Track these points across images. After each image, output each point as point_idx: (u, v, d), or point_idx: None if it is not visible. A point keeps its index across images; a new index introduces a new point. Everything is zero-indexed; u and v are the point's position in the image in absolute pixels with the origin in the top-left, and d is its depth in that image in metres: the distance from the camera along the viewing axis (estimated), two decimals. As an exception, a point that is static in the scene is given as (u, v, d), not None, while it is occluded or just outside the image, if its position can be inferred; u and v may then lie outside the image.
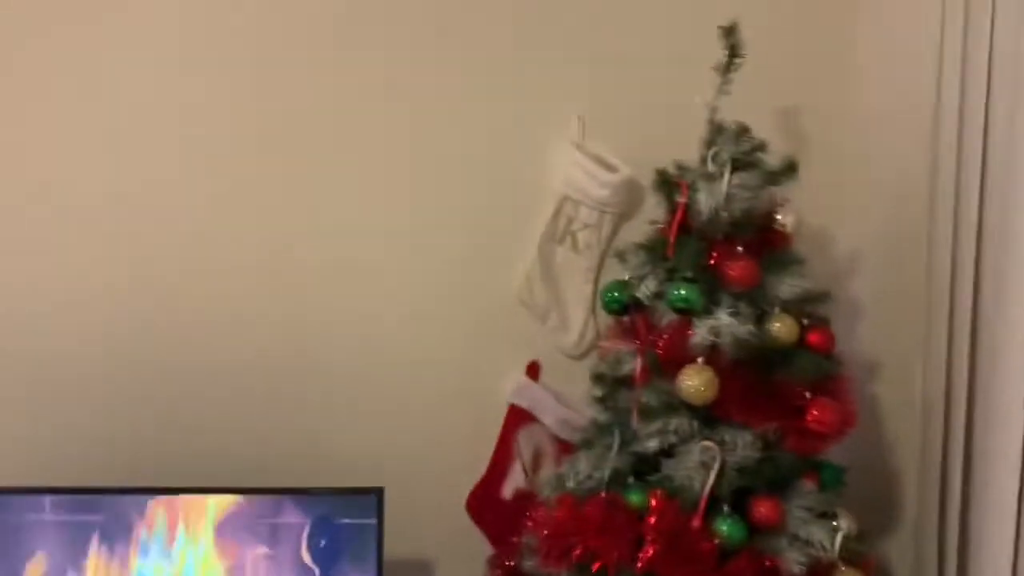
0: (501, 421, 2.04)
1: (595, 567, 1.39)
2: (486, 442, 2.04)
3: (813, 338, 1.56)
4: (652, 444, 1.51)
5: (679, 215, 1.55)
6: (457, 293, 2.01)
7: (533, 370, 2.06)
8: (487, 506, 2.07)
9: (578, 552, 1.46)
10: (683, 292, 1.50)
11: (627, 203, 2.01)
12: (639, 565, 1.42)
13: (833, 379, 1.52)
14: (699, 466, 1.45)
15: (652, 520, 1.43)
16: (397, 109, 1.95)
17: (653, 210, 1.95)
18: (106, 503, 1.68)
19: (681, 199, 1.55)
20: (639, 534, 1.44)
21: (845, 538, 1.48)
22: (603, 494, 1.52)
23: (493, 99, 1.96)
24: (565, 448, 2.08)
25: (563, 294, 2.05)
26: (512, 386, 2.04)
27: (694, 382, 1.44)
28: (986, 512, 1.49)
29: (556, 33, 1.97)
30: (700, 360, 1.47)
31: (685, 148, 1.70)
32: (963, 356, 1.56)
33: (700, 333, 1.46)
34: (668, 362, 1.50)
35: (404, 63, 1.94)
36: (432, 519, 1.98)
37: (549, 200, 2.00)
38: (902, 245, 1.80)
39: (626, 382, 1.59)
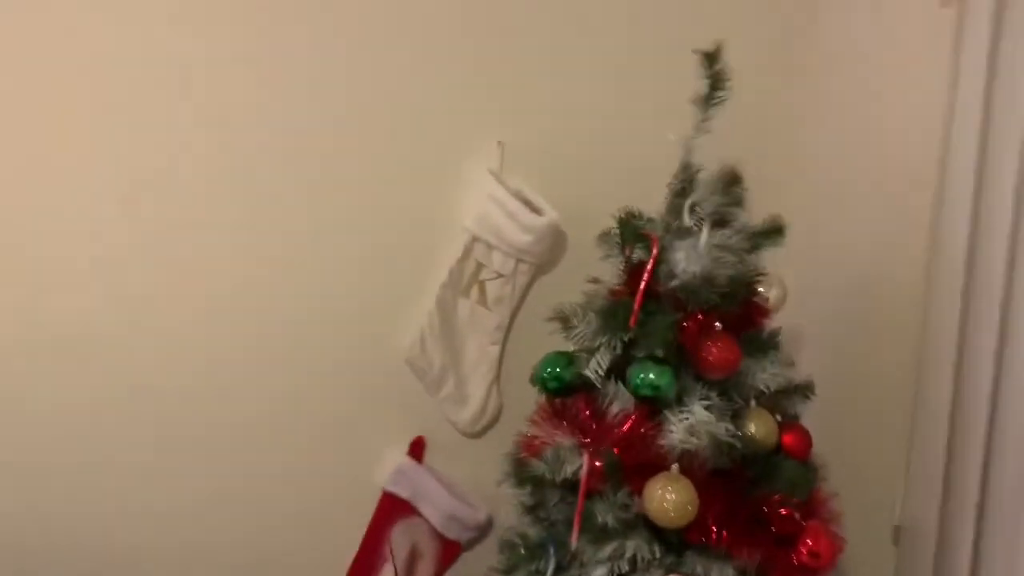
0: (371, 511, 1.63)
1: None
2: (351, 537, 1.62)
3: (788, 440, 1.27)
4: (598, 573, 1.15)
5: (647, 277, 1.22)
6: (333, 348, 1.59)
7: (417, 448, 1.66)
8: (345, 621, 1.63)
9: None
10: (652, 376, 1.16)
11: (548, 253, 1.67)
12: None
13: (815, 496, 1.23)
14: (664, 608, 1.11)
15: None
16: (302, 121, 1.53)
17: (574, 264, 1.68)
18: None
19: (650, 257, 1.22)
20: None
21: None
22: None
23: (400, 120, 1.57)
24: (449, 548, 1.69)
25: (463, 357, 1.67)
26: (390, 468, 1.63)
27: (671, 499, 1.09)
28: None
29: (480, 55, 1.61)
30: (675, 467, 1.13)
31: (619, 193, 1.39)
32: (974, 471, 1.31)
33: (675, 431, 1.13)
34: (631, 466, 1.15)
35: (314, 80, 1.53)
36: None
37: (455, 241, 1.64)
38: (871, 329, 1.57)
39: (566, 486, 1.23)
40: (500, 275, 1.65)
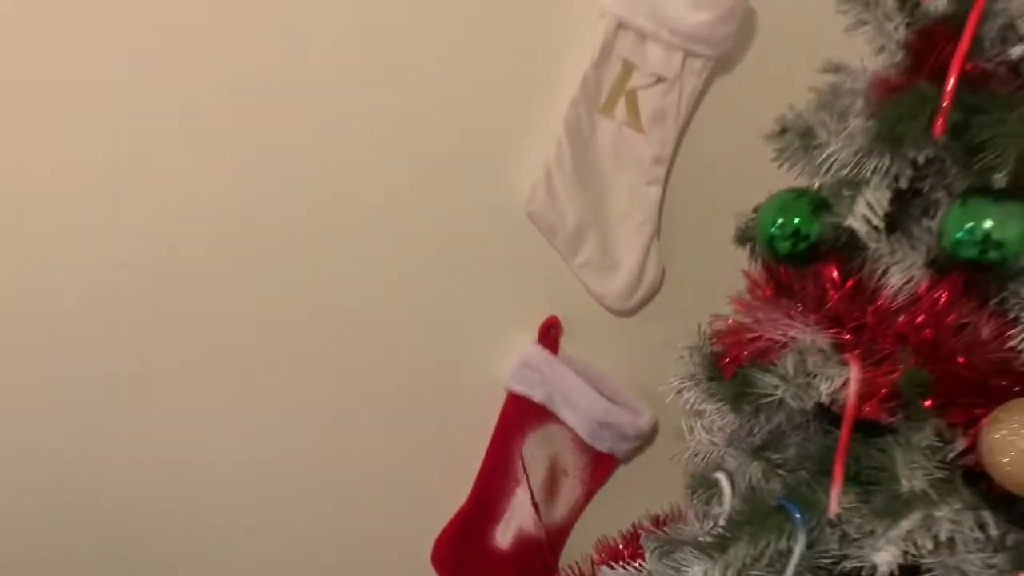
0: (493, 420, 1.21)
1: None
2: (472, 453, 1.21)
3: None
4: (883, 557, 0.69)
5: (965, 42, 0.68)
6: (434, 200, 1.12)
7: (550, 334, 1.20)
8: (469, 559, 1.24)
9: None
10: (989, 224, 0.63)
11: (733, 39, 1.12)
12: None
13: None
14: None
15: None
16: None
17: (779, 55, 1.13)
18: None
19: (973, 5, 0.68)
20: None
21: None
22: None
23: None
24: (602, 463, 1.26)
25: (608, 204, 1.17)
26: (515, 361, 1.19)
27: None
28: None
29: None
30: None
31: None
32: None
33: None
34: (950, 385, 0.66)
35: None
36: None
37: (592, 33, 1.11)
38: None
39: (815, 414, 0.75)
40: (660, 79, 1.12)
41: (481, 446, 1.21)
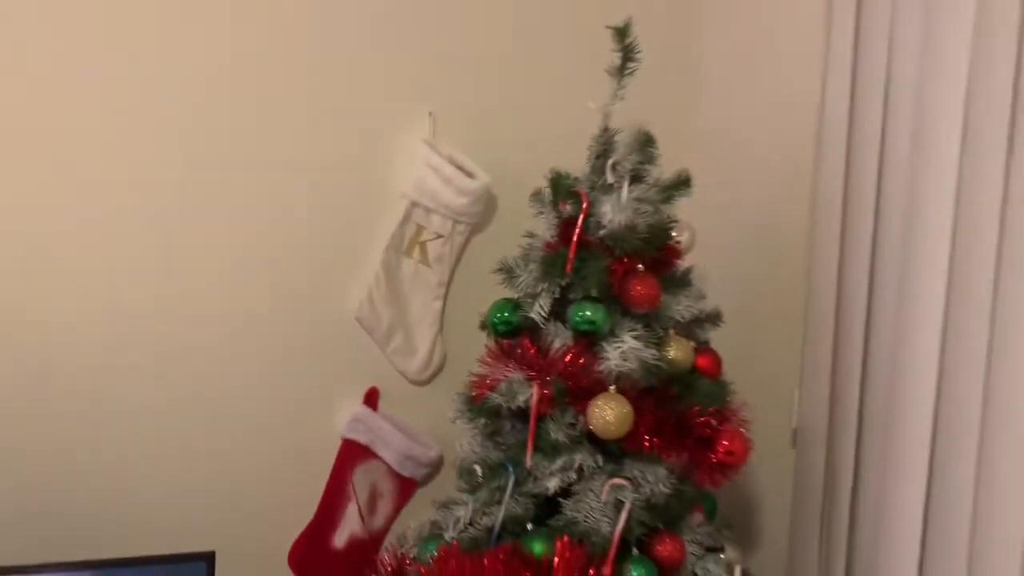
0: (332, 458, 1.78)
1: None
2: (317, 482, 1.77)
3: (702, 362, 1.49)
4: (552, 484, 1.35)
5: (579, 228, 1.40)
6: (287, 309, 1.72)
7: (372, 397, 1.81)
8: (315, 558, 1.78)
9: (477, 616, 1.26)
10: (588, 313, 1.35)
11: (482, 213, 1.84)
12: (550, 626, 1.25)
13: (726, 408, 1.45)
14: (609, 506, 1.31)
15: (561, 571, 1.27)
16: (241, 97, 1.64)
17: (504, 223, 1.85)
18: None
19: (581, 211, 1.40)
20: (545, 589, 1.27)
21: (741, 573, 1.42)
22: (499, 545, 1.32)
23: (338, 94, 1.71)
24: (405, 486, 1.86)
25: (409, 312, 1.83)
26: (348, 417, 1.79)
27: (610, 414, 1.29)
28: (884, 546, 1.50)
29: (408, 29, 1.75)
30: (612, 388, 1.33)
31: (543, 157, 1.57)
32: (852, 376, 1.57)
33: (612, 358, 1.33)
34: (575, 390, 1.34)
35: (250, 56, 1.64)
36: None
37: (396, 206, 1.78)
38: (769, 267, 1.81)
39: (518, 414, 1.41)
40: (439, 236, 1.81)
41: (324, 476, 1.77)
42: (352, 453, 1.79)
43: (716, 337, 1.56)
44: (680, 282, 1.47)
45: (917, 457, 1.42)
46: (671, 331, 1.44)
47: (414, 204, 1.78)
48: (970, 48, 1.38)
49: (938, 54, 1.43)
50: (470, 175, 1.78)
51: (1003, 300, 1.38)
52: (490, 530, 1.36)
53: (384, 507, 1.83)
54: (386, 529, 1.83)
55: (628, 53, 1.48)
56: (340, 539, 1.78)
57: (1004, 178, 1.37)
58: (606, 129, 1.48)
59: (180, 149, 1.61)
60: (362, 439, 1.79)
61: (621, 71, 1.49)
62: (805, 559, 1.64)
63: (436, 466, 1.85)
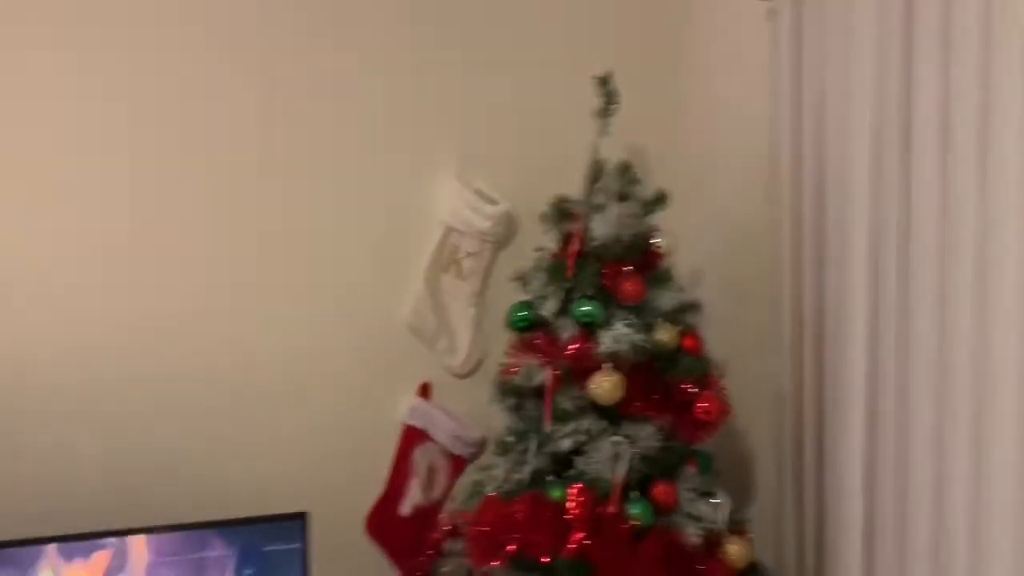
0: (395, 442, 2.17)
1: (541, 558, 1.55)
2: (385, 462, 2.16)
3: (688, 343, 1.83)
4: (566, 444, 1.71)
5: (576, 242, 1.76)
6: (351, 323, 2.11)
7: (425, 391, 2.19)
8: (387, 525, 2.16)
9: (512, 547, 1.62)
10: (587, 308, 1.71)
11: (505, 233, 2.21)
12: (569, 552, 1.60)
13: (708, 377, 1.79)
14: (610, 458, 1.67)
15: (575, 511, 1.62)
16: (300, 153, 2.05)
17: (526, 238, 2.21)
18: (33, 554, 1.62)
19: (577, 227, 1.77)
20: (564, 525, 1.62)
21: (729, 512, 1.75)
22: (527, 493, 1.68)
23: (383, 143, 2.11)
24: (457, 463, 2.23)
25: (450, 318, 2.21)
26: (406, 407, 2.17)
27: (606, 384, 1.65)
28: (839, 481, 1.82)
29: (437, 84, 2.14)
30: (607, 366, 1.68)
31: (552, 183, 1.93)
32: (810, 348, 1.90)
33: (605, 342, 1.69)
34: (579, 370, 1.70)
35: (302, 118, 2.05)
36: (352, 540, 2.09)
37: (435, 232, 2.17)
38: (742, 264, 2.14)
39: (537, 392, 1.77)
40: (470, 254, 2.19)
41: (390, 456, 2.15)
42: (412, 437, 2.17)
43: (709, 324, 1.89)
44: (662, 279, 1.81)
45: (857, 419, 1.76)
46: (659, 319, 1.79)
47: (450, 229, 2.16)
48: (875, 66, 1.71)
49: (857, 76, 1.77)
50: (493, 202, 2.16)
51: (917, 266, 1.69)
52: (520, 483, 1.72)
53: (440, 481, 2.20)
54: (443, 499, 2.20)
55: (610, 98, 1.84)
56: (406, 508, 2.16)
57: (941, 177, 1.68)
58: (595, 160, 1.84)
59: (260, 199, 2.03)
60: (419, 424, 2.17)
61: (605, 112, 1.85)
62: (784, 506, 1.97)
63: (481, 446, 2.21)
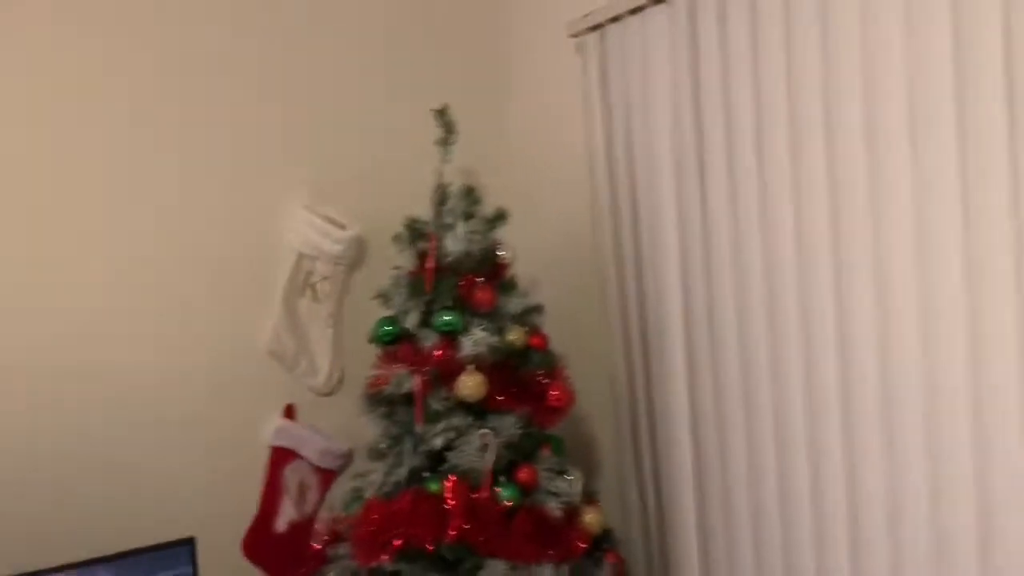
0: (264, 464, 2.24)
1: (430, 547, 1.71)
2: (255, 485, 2.23)
3: (535, 341, 2.05)
4: (439, 441, 1.88)
5: (431, 258, 1.94)
6: (212, 352, 2.18)
7: (290, 412, 2.29)
8: (264, 545, 2.24)
9: (398, 541, 1.76)
10: (448, 318, 1.90)
11: (356, 255, 2.34)
12: (450, 538, 1.77)
13: (556, 368, 2.03)
14: (479, 449, 1.86)
15: (452, 500, 1.80)
16: (149, 187, 2.10)
17: (375, 259, 2.36)
18: None
19: (431, 245, 1.95)
20: (444, 514, 1.79)
21: (582, 486, 1.99)
22: (406, 491, 1.83)
23: (232, 176, 2.20)
24: (327, 476, 2.34)
25: (309, 340, 2.32)
26: (273, 429, 2.25)
27: (471, 384, 1.84)
28: (670, 452, 2.12)
29: (283, 116, 2.26)
30: (470, 367, 1.87)
31: (395, 206, 2.11)
32: (636, 339, 2.19)
33: (466, 347, 1.88)
34: (444, 374, 1.88)
35: (147, 145, 2.10)
36: (239, 563, 2.18)
37: (288, 258, 2.27)
38: (574, 268, 2.41)
39: (406, 398, 1.93)
40: (325, 277, 2.32)
41: (260, 478, 2.23)
42: (280, 457, 2.26)
43: (549, 323, 2.13)
44: (509, 286, 2.03)
45: (681, 396, 2.09)
46: (509, 322, 2.01)
47: (302, 255, 2.28)
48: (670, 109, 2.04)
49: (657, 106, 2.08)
50: (342, 227, 2.29)
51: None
52: (397, 483, 1.88)
53: (312, 496, 2.30)
54: (315, 512, 2.30)
55: (448, 127, 2.04)
56: (281, 525, 2.25)
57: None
58: (440, 185, 2.03)
59: (115, 229, 2.06)
60: (286, 444, 2.26)
61: (445, 142, 2.05)
62: (626, 477, 2.25)
63: (349, 458, 2.34)
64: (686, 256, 2.07)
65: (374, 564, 1.80)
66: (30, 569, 1.71)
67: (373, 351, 2.04)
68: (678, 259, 2.06)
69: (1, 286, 1.95)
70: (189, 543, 1.84)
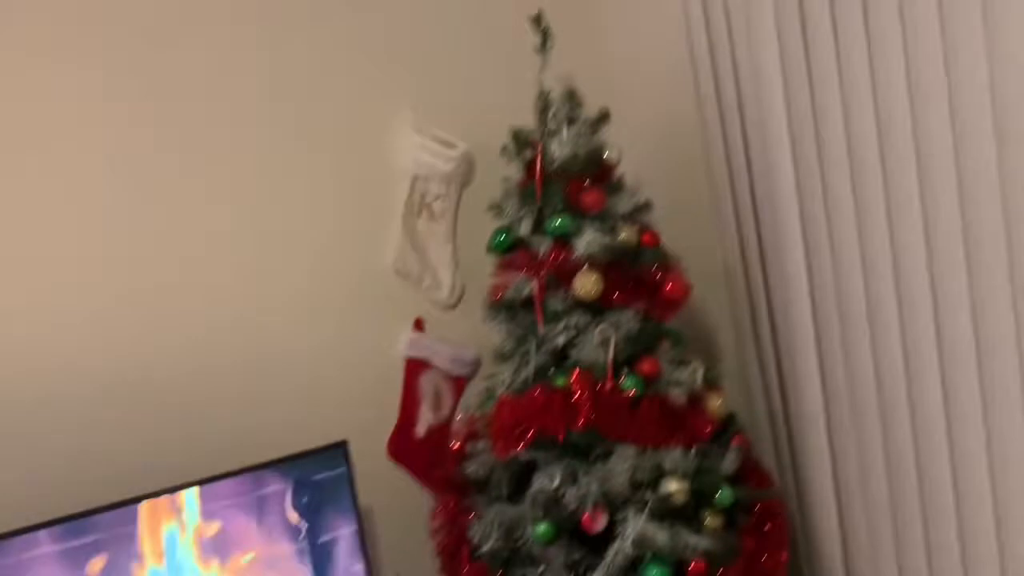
0: (401, 374, 2.41)
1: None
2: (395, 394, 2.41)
3: (647, 238, 2.10)
4: (560, 340, 1.97)
5: (539, 165, 2.00)
6: (346, 276, 2.34)
7: (419, 325, 2.43)
8: (406, 448, 2.42)
9: (532, 433, 1.89)
10: (560, 222, 1.97)
11: (467, 172, 2.44)
12: (580, 427, 1.88)
13: (669, 262, 2.07)
14: (600, 344, 1.94)
15: (579, 392, 1.90)
16: (265, 113, 2.23)
17: (487, 174, 2.44)
18: (100, 522, 1.81)
19: (537, 153, 2.01)
20: (572, 406, 1.90)
21: (704, 374, 2.05)
22: (534, 386, 1.95)
23: (345, 102, 2.31)
24: (459, 383, 2.49)
25: (430, 258, 2.44)
26: (405, 342, 2.41)
27: (587, 283, 1.92)
28: (791, 333, 2.15)
29: (386, 37, 2.35)
30: (585, 268, 1.95)
31: (500, 119, 2.16)
32: (751, 235, 2.21)
33: (580, 248, 1.95)
34: (561, 276, 1.96)
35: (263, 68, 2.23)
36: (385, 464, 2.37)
37: (403, 182, 2.38)
38: (682, 166, 2.43)
39: (526, 302, 2.03)
40: (439, 196, 2.42)
41: (399, 388, 2.40)
42: (415, 367, 2.42)
43: (664, 217, 2.16)
44: (617, 187, 2.08)
45: (800, 277, 2.10)
46: (620, 221, 2.06)
47: (415, 177, 2.38)
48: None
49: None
50: (452, 145, 2.38)
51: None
52: (525, 381, 1.99)
53: (447, 401, 2.46)
54: (451, 417, 2.46)
55: (545, 35, 2.07)
56: (421, 429, 2.42)
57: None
58: (543, 91, 2.08)
59: (210, 152, 2.19)
60: (419, 355, 2.41)
61: (543, 47, 2.08)
62: (747, 362, 2.29)
63: (477, 364, 2.47)
64: (798, 137, 2.05)
65: (510, 455, 1.93)
66: (209, 474, 1.93)
67: (491, 262, 2.15)
68: (788, 142, 2.04)
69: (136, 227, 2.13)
70: (342, 445, 2.02)
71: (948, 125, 1.75)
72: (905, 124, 1.84)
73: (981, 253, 1.76)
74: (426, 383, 2.43)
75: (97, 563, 1.81)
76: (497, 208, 2.08)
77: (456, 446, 2.21)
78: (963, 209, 1.77)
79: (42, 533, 1.76)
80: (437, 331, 2.45)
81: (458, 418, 2.39)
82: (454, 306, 2.48)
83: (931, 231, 1.85)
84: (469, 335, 2.42)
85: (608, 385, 1.93)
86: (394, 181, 2.38)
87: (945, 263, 1.83)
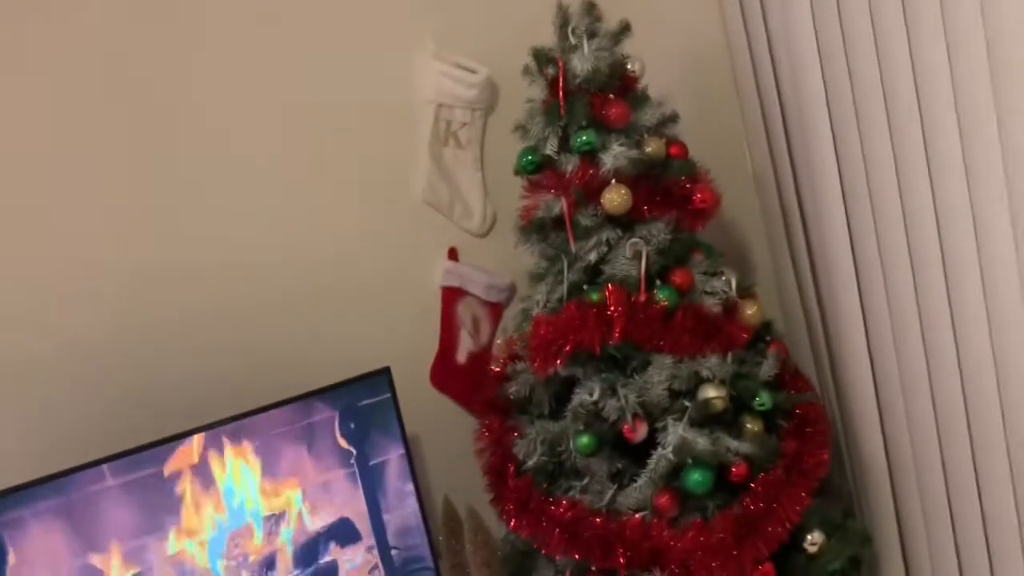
0: (439, 307, 2.45)
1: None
2: (434, 322, 2.45)
3: (674, 150, 2.09)
4: (592, 256, 1.98)
5: (562, 83, 1.99)
6: (376, 209, 2.36)
7: (453, 254, 2.46)
8: (448, 375, 2.47)
9: (569, 348, 1.91)
10: (585, 138, 1.96)
11: (491, 98, 2.43)
12: (616, 339, 1.90)
13: (697, 173, 2.06)
14: (632, 258, 1.95)
15: (613, 305, 1.91)
16: (285, 47, 2.25)
17: (511, 101, 2.43)
18: (160, 454, 1.89)
19: (559, 70, 1.99)
20: (607, 320, 1.92)
21: (737, 284, 2.06)
22: (569, 303, 1.97)
23: (363, 32, 2.31)
24: (495, 309, 2.52)
25: (460, 186, 2.45)
26: (441, 272, 2.44)
27: (616, 198, 1.92)
28: (825, 239, 2.13)
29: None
30: (613, 182, 1.95)
31: (521, 42, 2.14)
32: (781, 134, 2.18)
33: (607, 163, 1.94)
34: (589, 192, 1.96)
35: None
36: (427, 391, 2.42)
37: (427, 111, 2.38)
38: (708, 77, 2.39)
39: (557, 221, 2.04)
40: (464, 124, 2.42)
41: (438, 316, 2.44)
42: (451, 296, 2.45)
43: (691, 129, 2.14)
44: (642, 99, 2.06)
45: (832, 185, 2.07)
46: (646, 134, 2.04)
47: (440, 105, 2.38)
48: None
49: None
50: (473, 71, 2.37)
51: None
52: (560, 299, 2.01)
53: (485, 328, 2.50)
54: (490, 342, 2.50)
55: (559, -51, 2.04)
56: (461, 356, 2.47)
57: None
58: (559, 6, 2.05)
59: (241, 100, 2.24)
60: (455, 283, 2.44)
61: (558, -38, 2.05)
62: (782, 266, 2.28)
63: (512, 290, 2.50)
64: (825, 60, 2.01)
65: (549, 373, 1.96)
66: (261, 404, 2.00)
67: (520, 186, 2.15)
68: (818, 63, 2.01)
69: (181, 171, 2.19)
70: (386, 371, 2.07)
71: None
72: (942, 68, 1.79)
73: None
74: (463, 311, 2.47)
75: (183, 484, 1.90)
76: (522, 129, 2.07)
77: (496, 369, 2.25)
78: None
79: (123, 461, 1.84)
80: (471, 259, 2.48)
81: (497, 342, 2.44)
82: (486, 233, 2.50)
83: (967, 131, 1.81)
84: (502, 262, 2.45)
85: (642, 298, 1.94)
86: (419, 111, 2.39)
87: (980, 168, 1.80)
